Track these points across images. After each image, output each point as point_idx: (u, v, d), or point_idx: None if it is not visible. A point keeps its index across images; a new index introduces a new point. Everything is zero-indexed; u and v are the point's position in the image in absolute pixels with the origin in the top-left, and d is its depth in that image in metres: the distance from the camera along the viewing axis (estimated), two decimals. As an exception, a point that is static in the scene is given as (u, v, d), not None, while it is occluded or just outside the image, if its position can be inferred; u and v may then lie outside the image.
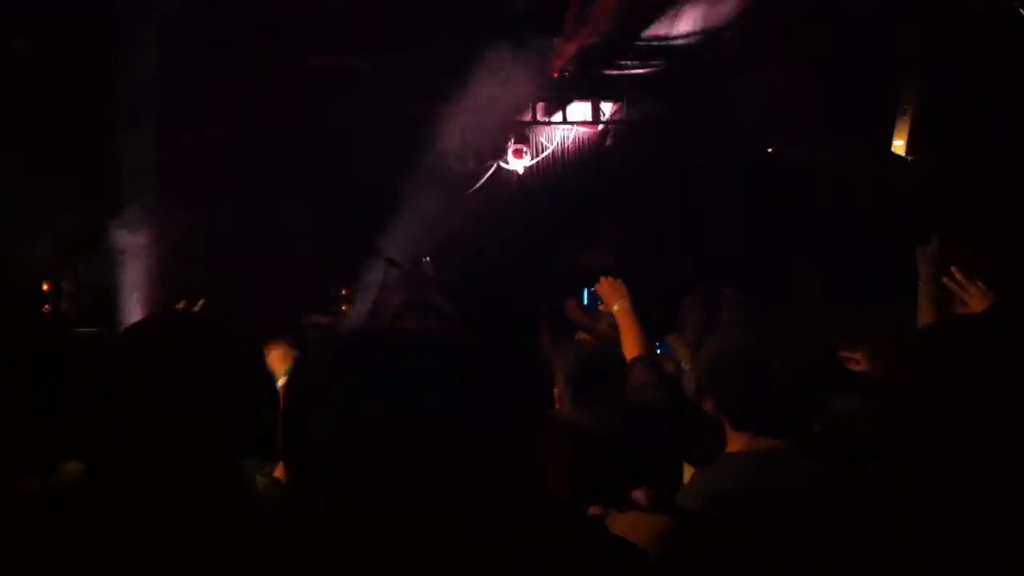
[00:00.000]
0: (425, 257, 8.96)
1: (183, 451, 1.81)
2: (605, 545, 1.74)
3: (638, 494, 2.40)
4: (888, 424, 1.77)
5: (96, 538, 1.68)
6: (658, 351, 4.49)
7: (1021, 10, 5.15)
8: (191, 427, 1.82)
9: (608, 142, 8.37)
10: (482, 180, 8.50)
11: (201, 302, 3.83)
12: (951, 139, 6.18)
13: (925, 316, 3.32)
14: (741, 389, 2.44)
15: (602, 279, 3.74)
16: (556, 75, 7.53)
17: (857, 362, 3.70)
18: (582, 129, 8.37)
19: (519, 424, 1.76)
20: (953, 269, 3.18)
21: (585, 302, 4.34)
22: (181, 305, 3.86)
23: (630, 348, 3.44)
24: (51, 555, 1.68)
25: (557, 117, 8.44)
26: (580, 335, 4.83)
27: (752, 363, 2.44)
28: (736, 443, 2.48)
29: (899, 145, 6.83)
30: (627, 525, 2.32)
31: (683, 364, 3.98)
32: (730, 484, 2.39)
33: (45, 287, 7.10)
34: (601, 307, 4.01)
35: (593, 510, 2.39)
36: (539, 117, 8.39)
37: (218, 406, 1.84)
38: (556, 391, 3.27)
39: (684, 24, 6.81)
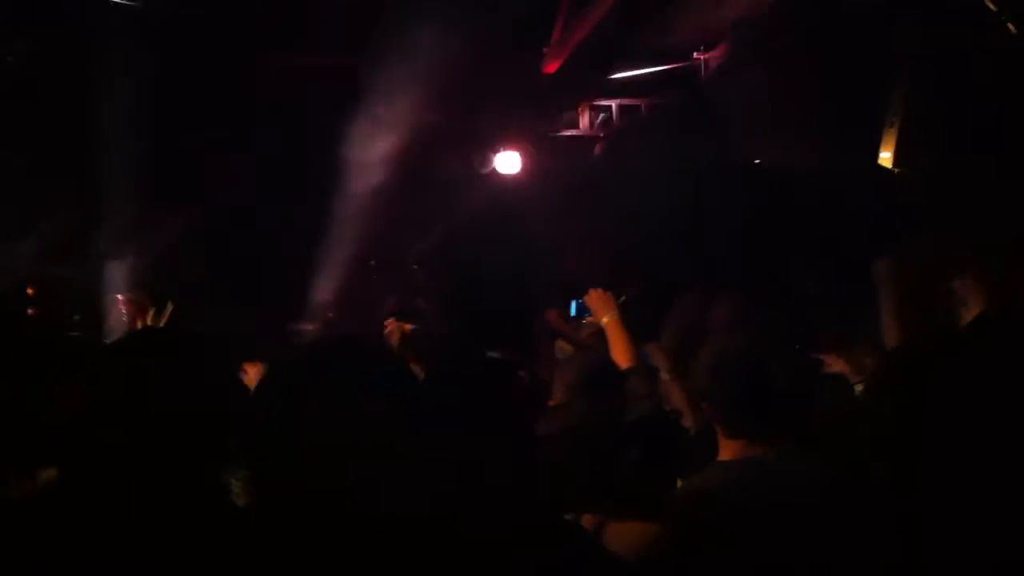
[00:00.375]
0: (413, 263, 8.95)
1: (172, 456, 1.79)
2: (594, 553, 1.74)
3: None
4: (885, 425, 1.77)
5: (83, 541, 1.67)
6: None
7: (1009, 24, 5.20)
8: (183, 433, 1.81)
9: (598, 149, 8.38)
10: (471, 186, 8.47)
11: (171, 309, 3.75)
12: (939, 149, 6.20)
13: (890, 336, 3.28)
14: (739, 392, 2.44)
15: (591, 291, 3.73)
16: (546, 82, 7.54)
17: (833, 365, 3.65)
18: (572, 135, 8.38)
19: (515, 426, 1.75)
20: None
21: (573, 313, 4.29)
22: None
23: (621, 361, 3.45)
24: (39, 557, 1.66)
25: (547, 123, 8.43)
26: (560, 344, 4.81)
27: (750, 367, 2.45)
28: (728, 451, 2.48)
29: (886, 157, 6.84)
30: (621, 533, 2.32)
31: (662, 374, 3.92)
32: (724, 490, 2.38)
33: (30, 291, 7.03)
34: (590, 319, 3.98)
35: (587, 519, 2.38)
36: (529, 123, 8.37)
37: (209, 413, 1.83)
38: (552, 403, 3.23)
39: (675, 32, 6.84)
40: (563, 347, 4.95)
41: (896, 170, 6.74)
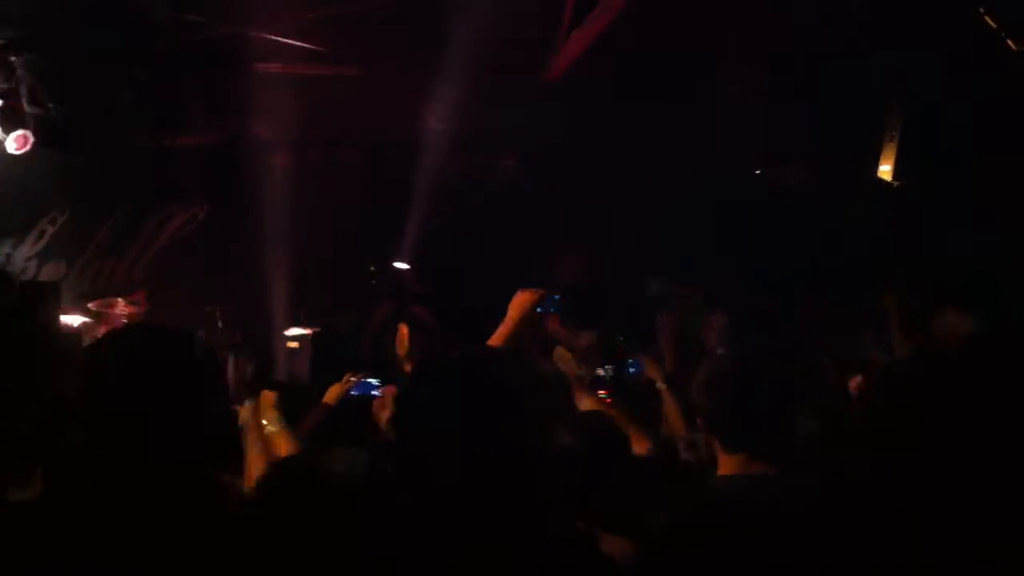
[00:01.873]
0: (407, 268, 8.97)
1: (148, 456, 1.78)
2: (595, 555, 1.74)
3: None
4: (886, 426, 1.77)
5: (77, 542, 1.66)
6: (631, 370, 4.48)
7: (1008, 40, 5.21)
8: (158, 431, 1.79)
9: (595, 157, 8.36)
10: (463, 191, 8.48)
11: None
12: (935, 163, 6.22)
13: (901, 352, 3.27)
14: (725, 408, 2.46)
15: (518, 292, 3.27)
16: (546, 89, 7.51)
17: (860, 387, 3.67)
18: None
19: (512, 426, 1.73)
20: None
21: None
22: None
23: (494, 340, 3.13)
24: (35, 558, 1.65)
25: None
26: (559, 350, 4.78)
27: (738, 384, 2.47)
28: (728, 466, 2.49)
29: (885, 170, 6.84)
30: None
31: (657, 384, 3.97)
32: (725, 502, 2.38)
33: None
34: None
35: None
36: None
37: (181, 412, 1.82)
38: None
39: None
40: (562, 354, 4.94)
41: (896, 183, 6.74)
